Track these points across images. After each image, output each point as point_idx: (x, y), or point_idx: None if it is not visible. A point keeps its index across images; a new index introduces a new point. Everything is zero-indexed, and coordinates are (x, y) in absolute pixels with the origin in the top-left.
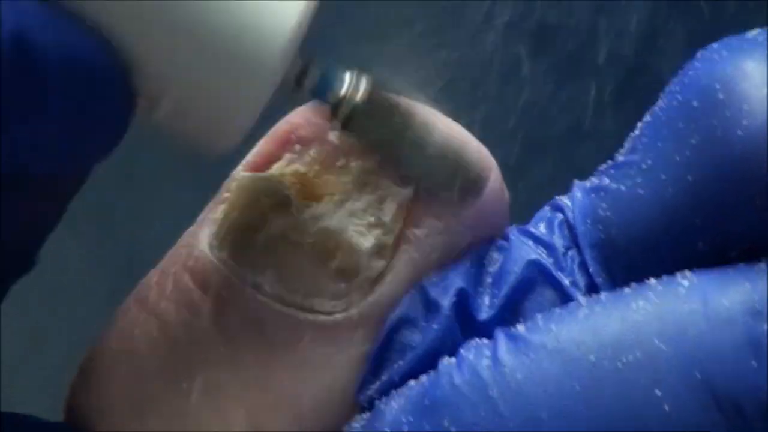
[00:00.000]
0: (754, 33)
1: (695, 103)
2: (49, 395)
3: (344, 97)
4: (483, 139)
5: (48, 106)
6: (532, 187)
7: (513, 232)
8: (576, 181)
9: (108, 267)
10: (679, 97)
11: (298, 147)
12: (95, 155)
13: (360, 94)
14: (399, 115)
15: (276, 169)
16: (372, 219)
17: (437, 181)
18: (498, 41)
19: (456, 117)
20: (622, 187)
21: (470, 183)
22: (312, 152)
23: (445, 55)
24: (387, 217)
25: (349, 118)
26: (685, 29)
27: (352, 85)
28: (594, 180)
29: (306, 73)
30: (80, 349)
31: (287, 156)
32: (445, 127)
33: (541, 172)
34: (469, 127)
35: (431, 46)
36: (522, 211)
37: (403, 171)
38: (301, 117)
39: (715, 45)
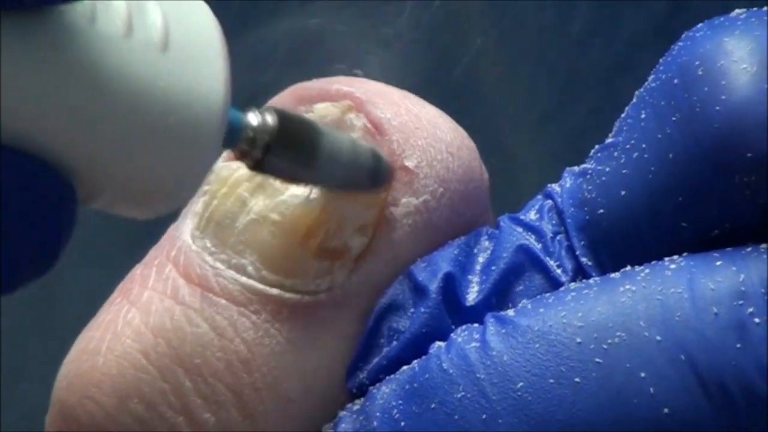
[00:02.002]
0: (737, 12)
1: (676, 81)
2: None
3: (253, 139)
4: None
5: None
6: (573, 122)
7: (504, 220)
8: (567, 168)
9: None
10: (662, 76)
11: None
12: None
13: (269, 133)
14: (308, 141)
15: None
16: None
17: (359, 184)
18: None
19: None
20: (607, 168)
21: (387, 173)
22: None
23: None
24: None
25: (261, 159)
26: None
27: (258, 125)
28: (584, 165)
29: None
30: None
31: None
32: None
33: (582, 108)
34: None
35: None
36: (559, 153)
37: (325, 188)
38: (278, 102)
39: (699, 25)
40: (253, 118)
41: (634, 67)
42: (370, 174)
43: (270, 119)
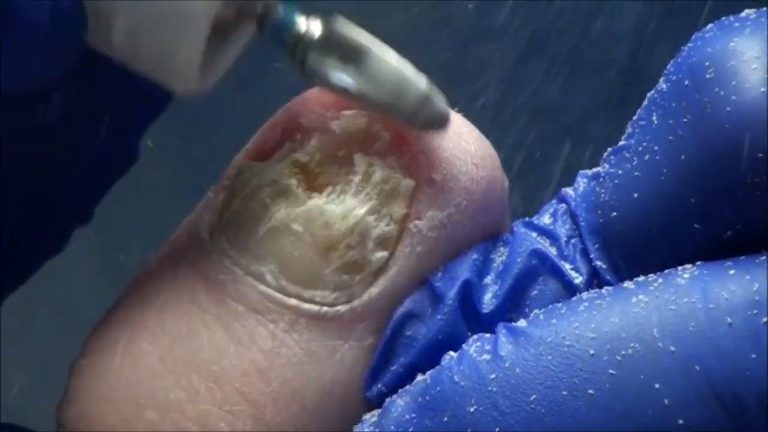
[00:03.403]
0: (747, 12)
1: (687, 82)
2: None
3: (302, 36)
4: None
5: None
6: (529, 189)
7: (518, 225)
8: (580, 171)
9: (117, 283)
10: (673, 77)
11: (298, 136)
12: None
13: (317, 34)
14: (355, 51)
15: (276, 158)
16: (375, 210)
17: (398, 112)
18: (491, 44)
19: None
20: (620, 171)
21: (433, 113)
22: (313, 142)
23: (440, 58)
24: (389, 208)
25: (305, 56)
26: (679, 33)
27: (309, 25)
28: (596, 168)
29: (266, 15)
30: None
31: (288, 145)
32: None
33: (535, 175)
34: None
35: (425, 49)
36: (516, 216)
37: (363, 106)
38: (301, 106)
39: (709, 25)
40: (303, 22)
41: (586, 138)
42: (414, 108)
43: (318, 27)
